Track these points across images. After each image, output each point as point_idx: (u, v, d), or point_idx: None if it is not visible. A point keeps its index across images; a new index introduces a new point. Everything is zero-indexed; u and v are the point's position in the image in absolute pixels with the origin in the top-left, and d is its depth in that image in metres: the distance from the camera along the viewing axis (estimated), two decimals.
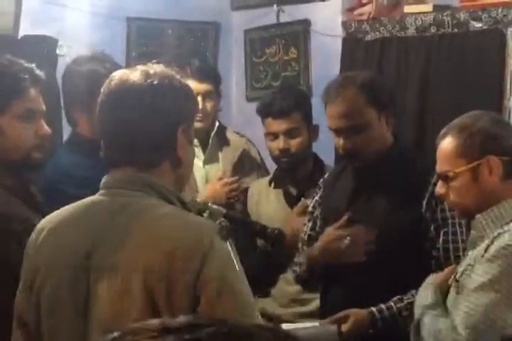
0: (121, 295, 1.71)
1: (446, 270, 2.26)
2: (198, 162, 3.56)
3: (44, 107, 2.39)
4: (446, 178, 2.17)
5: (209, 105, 3.54)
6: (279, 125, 3.15)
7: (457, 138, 2.14)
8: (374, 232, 2.60)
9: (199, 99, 3.45)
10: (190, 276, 1.67)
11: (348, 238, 2.61)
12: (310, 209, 2.89)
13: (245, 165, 3.60)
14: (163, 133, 1.80)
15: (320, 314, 2.77)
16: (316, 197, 2.87)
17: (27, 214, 2.25)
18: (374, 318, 2.52)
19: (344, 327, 2.49)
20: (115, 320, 1.70)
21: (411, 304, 2.36)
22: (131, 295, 1.69)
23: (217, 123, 3.64)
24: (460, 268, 2.17)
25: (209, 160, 3.60)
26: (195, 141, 3.53)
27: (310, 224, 2.86)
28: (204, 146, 3.60)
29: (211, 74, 3.61)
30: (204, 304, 1.66)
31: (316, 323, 2.53)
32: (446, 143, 2.16)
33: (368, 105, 2.62)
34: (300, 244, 2.87)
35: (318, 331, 2.50)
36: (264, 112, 3.20)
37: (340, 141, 2.62)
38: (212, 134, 3.60)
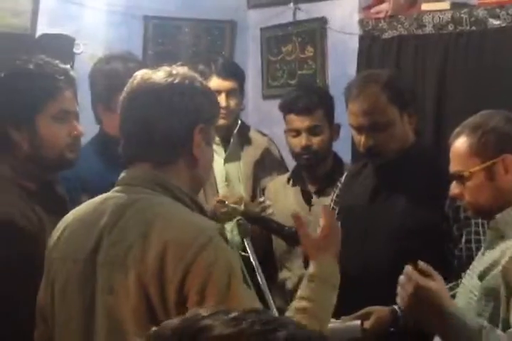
0: (118, 289, 1.74)
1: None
2: (219, 160, 3.56)
3: (77, 108, 2.41)
4: (461, 178, 2.15)
5: (232, 103, 3.53)
6: (302, 122, 3.16)
7: (471, 138, 2.12)
8: None
9: (223, 96, 3.46)
10: (181, 273, 1.68)
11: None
12: (332, 206, 2.88)
13: (266, 164, 3.59)
14: (180, 131, 1.82)
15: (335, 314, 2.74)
16: (334, 196, 2.86)
17: (45, 223, 2.26)
18: (396, 316, 2.51)
19: (366, 324, 2.48)
20: (116, 314, 1.74)
21: None
22: (126, 289, 1.72)
23: (239, 122, 3.64)
24: (476, 269, 2.15)
25: (230, 159, 3.60)
26: (217, 139, 3.54)
27: None
28: (225, 144, 3.59)
29: (235, 72, 3.61)
30: (191, 301, 1.67)
31: (339, 320, 2.53)
32: (460, 143, 2.14)
33: (390, 103, 2.62)
34: None
35: (342, 327, 2.49)
36: (288, 108, 3.21)
37: (362, 139, 2.62)
38: (234, 132, 3.60)
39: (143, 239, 1.73)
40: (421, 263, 2.11)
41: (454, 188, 2.18)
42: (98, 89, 2.87)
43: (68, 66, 2.40)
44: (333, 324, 2.50)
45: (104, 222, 1.81)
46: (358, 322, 2.49)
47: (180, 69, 1.88)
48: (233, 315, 0.92)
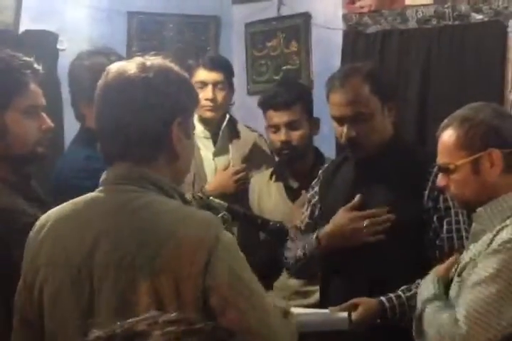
0: (126, 292, 1.70)
1: (448, 261, 2.26)
2: (208, 154, 3.57)
3: (44, 101, 2.38)
4: (446, 170, 2.16)
5: (219, 95, 3.54)
6: (280, 117, 3.18)
7: (459, 130, 2.13)
8: (386, 212, 2.59)
9: (209, 88, 3.47)
10: (198, 268, 1.66)
11: (366, 220, 2.59)
12: (308, 197, 2.89)
13: (255, 159, 3.60)
14: (157, 128, 1.77)
15: (320, 305, 2.76)
16: (316, 188, 2.87)
17: (32, 209, 2.24)
18: (383, 307, 2.52)
19: (354, 315, 2.49)
20: (121, 318, 1.70)
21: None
22: (136, 292, 1.69)
23: (227, 116, 3.64)
24: (462, 262, 2.17)
25: (219, 153, 3.60)
26: (207, 134, 3.54)
27: (308, 213, 2.86)
28: (214, 138, 3.60)
29: (222, 64, 3.62)
30: (215, 295, 1.67)
31: (327, 310, 2.53)
32: (448, 135, 2.15)
33: (372, 94, 2.63)
34: (293, 232, 2.85)
35: (329, 318, 2.50)
36: (266, 105, 3.23)
37: (344, 130, 2.62)
38: (223, 126, 3.60)
39: (151, 238, 1.69)
40: None
41: (441, 180, 2.19)
42: (81, 84, 2.83)
43: (32, 58, 2.34)
44: (320, 315, 2.52)
45: (97, 224, 1.76)
46: (346, 314, 2.50)
47: (155, 61, 1.81)
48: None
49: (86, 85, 2.79)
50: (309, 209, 2.86)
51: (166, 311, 1.62)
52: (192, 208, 1.82)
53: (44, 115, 2.36)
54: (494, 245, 2.02)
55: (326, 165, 2.92)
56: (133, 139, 1.77)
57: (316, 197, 2.84)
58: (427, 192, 2.58)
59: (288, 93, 3.19)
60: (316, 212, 2.84)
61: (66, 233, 1.80)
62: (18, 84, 2.29)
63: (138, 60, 1.82)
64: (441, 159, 2.18)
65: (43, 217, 1.87)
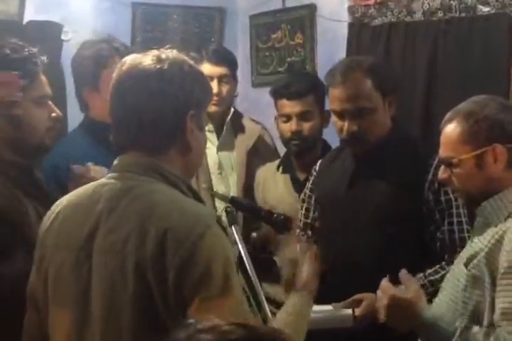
0: (116, 276, 1.73)
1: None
2: (212, 148, 3.56)
3: (50, 90, 2.40)
4: (449, 164, 2.15)
5: (224, 89, 3.53)
6: (293, 107, 3.18)
7: (463, 125, 2.12)
8: None
9: (214, 82, 3.46)
10: (180, 261, 1.67)
11: None
12: (302, 197, 2.89)
13: (260, 153, 3.59)
14: (171, 119, 1.79)
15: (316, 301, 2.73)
16: (309, 183, 2.86)
17: (26, 207, 2.25)
18: None
19: (357, 311, 2.49)
20: (113, 302, 1.73)
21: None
22: (125, 276, 1.71)
23: (232, 110, 3.63)
24: (464, 255, 2.15)
25: (223, 147, 3.59)
26: (210, 127, 3.53)
27: (303, 212, 2.85)
28: (219, 132, 3.59)
29: (227, 58, 3.61)
30: (188, 289, 1.67)
31: (330, 306, 2.53)
32: (452, 129, 2.14)
33: (374, 89, 2.62)
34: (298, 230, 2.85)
35: (333, 315, 2.49)
36: (279, 93, 3.22)
37: (345, 124, 2.61)
38: (227, 120, 3.59)
39: (141, 226, 1.71)
40: (402, 273, 2.25)
41: (443, 173, 2.19)
42: (84, 72, 2.85)
43: (35, 49, 2.36)
44: (324, 312, 2.51)
45: (99, 209, 1.80)
46: (350, 311, 2.49)
47: (170, 54, 1.84)
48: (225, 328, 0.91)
49: (88, 73, 2.80)
50: (304, 209, 2.86)
51: (154, 301, 1.64)
52: (189, 200, 1.81)
53: (52, 104, 2.38)
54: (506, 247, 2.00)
55: (320, 160, 2.91)
56: (146, 128, 1.79)
57: (312, 197, 2.84)
58: (427, 184, 2.57)
59: (302, 83, 3.19)
60: (311, 212, 2.83)
61: (72, 216, 1.85)
62: (30, 74, 2.30)
63: (153, 52, 1.84)
64: (444, 152, 2.16)
65: (56, 204, 1.93)
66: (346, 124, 2.61)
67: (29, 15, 4.03)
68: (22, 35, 3.43)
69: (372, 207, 2.63)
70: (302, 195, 2.91)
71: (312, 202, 2.87)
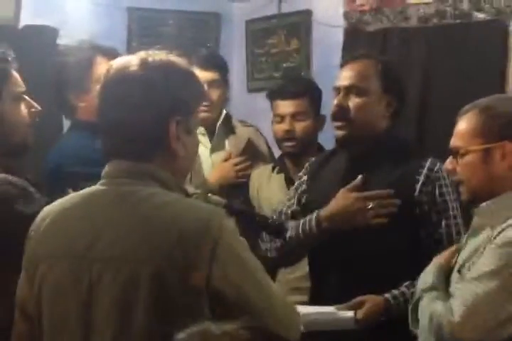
0: (127, 285, 1.69)
1: (449, 250, 2.25)
2: (205, 151, 3.56)
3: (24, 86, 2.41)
4: (456, 154, 2.15)
5: (214, 94, 3.53)
6: (286, 107, 3.25)
7: (478, 117, 2.12)
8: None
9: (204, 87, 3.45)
10: (204, 259, 1.67)
11: (373, 201, 2.57)
12: (296, 185, 2.89)
13: (251, 154, 3.60)
14: (153, 127, 1.76)
15: (313, 302, 2.74)
16: (304, 177, 2.86)
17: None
18: (389, 305, 2.52)
19: (359, 313, 2.48)
20: (122, 310, 1.70)
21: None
22: (138, 285, 1.68)
23: (224, 112, 3.63)
24: (461, 258, 2.16)
25: (216, 149, 3.60)
26: (202, 130, 3.54)
27: (296, 200, 2.84)
28: (211, 135, 3.60)
29: (217, 63, 3.61)
30: (223, 284, 1.68)
31: (332, 308, 2.52)
32: (466, 121, 2.14)
33: (375, 78, 2.66)
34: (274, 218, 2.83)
35: (334, 317, 2.49)
36: (275, 94, 3.30)
37: (338, 98, 2.64)
38: (219, 123, 3.60)
39: (154, 229, 1.69)
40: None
41: (449, 164, 2.18)
42: (67, 79, 2.86)
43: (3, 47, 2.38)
44: (326, 314, 2.51)
45: (99, 217, 1.76)
46: (352, 314, 2.49)
47: (157, 57, 1.80)
48: None
49: (74, 77, 2.83)
50: (296, 197, 2.86)
51: (170, 303, 1.64)
52: (194, 200, 1.82)
53: (29, 99, 2.38)
54: (498, 241, 2.01)
55: (313, 158, 2.92)
56: (129, 138, 1.77)
57: (304, 186, 2.84)
58: (418, 185, 2.57)
59: (297, 85, 3.28)
60: (303, 200, 2.82)
61: (68, 225, 1.80)
62: (5, 73, 2.31)
63: (141, 55, 1.80)
64: (454, 142, 2.17)
65: (45, 210, 1.88)
66: (339, 98, 2.65)
67: (25, 19, 4.03)
68: (17, 40, 3.45)
69: None
70: (296, 185, 2.90)
71: (303, 196, 2.85)
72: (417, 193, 2.57)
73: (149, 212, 1.72)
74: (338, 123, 2.66)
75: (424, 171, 2.57)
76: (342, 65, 2.74)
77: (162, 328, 1.64)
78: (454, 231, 2.56)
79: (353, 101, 2.64)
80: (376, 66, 2.68)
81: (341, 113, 2.64)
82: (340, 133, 2.66)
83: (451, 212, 2.58)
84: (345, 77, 2.67)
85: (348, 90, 2.64)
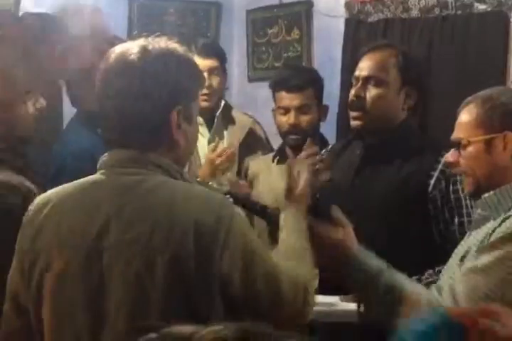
0: (141, 273, 1.69)
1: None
2: (203, 140, 3.56)
3: None
4: (458, 145, 2.15)
5: (215, 82, 3.54)
6: (292, 100, 3.20)
7: (479, 109, 2.12)
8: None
9: (205, 75, 3.44)
10: (217, 246, 1.69)
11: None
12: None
13: (251, 145, 3.60)
14: (154, 116, 1.75)
15: (324, 289, 2.73)
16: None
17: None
18: None
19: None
20: (137, 297, 1.69)
21: (428, 284, 2.34)
22: (153, 273, 1.68)
23: (223, 102, 3.63)
24: (463, 248, 2.16)
25: (214, 139, 3.59)
26: (200, 120, 3.53)
27: None
28: (209, 125, 3.59)
29: (216, 51, 3.62)
30: (229, 270, 1.70)
31: (337, 298, 2.53)
32: (467, 112, 2.14)
33: (395, 69, 2.65)
34: None
35: (338, 309, 2.50)
36: (279, 86, 3.24)
37: (356, 88, 2.64)
38: (218, 113, 3.59)
39: (166, 218, 1.69)
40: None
41: (451, 155, 2.18)
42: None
43: None
44: (330, 305, 2.52)
45: (107, 207, 1.73)
46: (355, 306, 2.50)
47: (157, 44, 1.77)
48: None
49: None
50: None
51: (185, 290, 1.65)
52: (202, 187, 1.84)
53: (36, 93, 2.38)
54: (497, 236, 2.00)
55: (331, 145, 2.90)
56: (131, 127, 1.75)
57: None
58: (433, 181, 2.56)
59: (302, 77, 3.23)
60: None
61: (72, 215, 1.77)
62: None
63: (140, 42, 1.78)
64: (456, 134, 2.16)
65: (41, 199, 1.83)
66: (356, 88, 2.64)
67: (25, 7, 4.02)
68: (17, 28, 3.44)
69: (377, 197, 2.63)
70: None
71: None
72: (430, 189, 2.57)
73: (159, 201, 1.72)
74: (355, 114, 2.65)
75: (440, 167, 2.56)
76: (362, 54, 2.73)
77: (177, 315, 1.63)
78: (466, 229, 2.55)
79: (371, 92, 2.62)
80: (396, 57, 2.66)
81: (358, 103, 2.63)
82: (355, 123, 2.66)
83: (464, 210, 2.57)
84: (364, 67, 2.66)
85: (366, 80, 2.63)
